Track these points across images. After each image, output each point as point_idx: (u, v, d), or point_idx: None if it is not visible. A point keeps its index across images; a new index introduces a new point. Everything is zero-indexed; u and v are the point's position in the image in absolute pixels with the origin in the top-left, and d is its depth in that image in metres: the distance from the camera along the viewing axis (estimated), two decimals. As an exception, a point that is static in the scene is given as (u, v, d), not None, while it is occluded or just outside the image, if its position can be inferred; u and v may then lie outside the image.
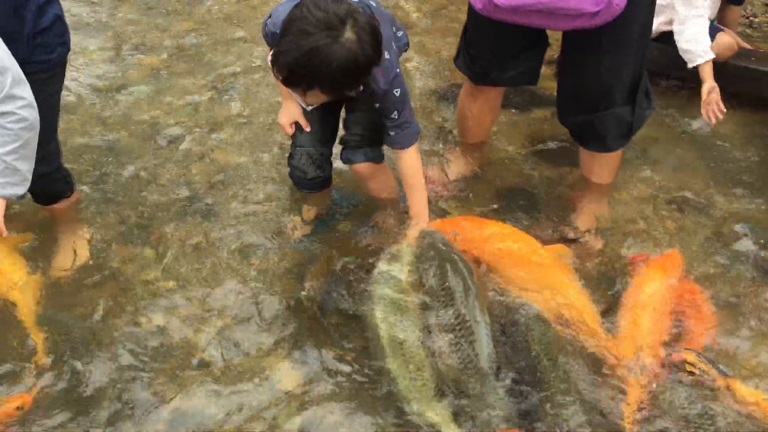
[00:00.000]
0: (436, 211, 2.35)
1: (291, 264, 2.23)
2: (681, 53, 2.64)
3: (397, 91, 1.98)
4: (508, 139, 2.73)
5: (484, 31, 2.16)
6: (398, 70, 1.97)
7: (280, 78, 1.79)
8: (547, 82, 2.68)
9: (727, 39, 2.77)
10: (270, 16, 1.96)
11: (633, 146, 2.64)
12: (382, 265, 2.04)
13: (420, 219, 2.16)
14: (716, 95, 2.51)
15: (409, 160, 2.11)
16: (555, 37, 2.22)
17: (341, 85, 1.77)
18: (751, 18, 3.31)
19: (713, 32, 2.78)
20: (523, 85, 2.37)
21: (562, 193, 2.50)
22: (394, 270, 2.01)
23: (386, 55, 1.89)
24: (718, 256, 2.26)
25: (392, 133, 2.06)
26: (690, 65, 2.62)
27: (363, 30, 1.71)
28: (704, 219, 2.40)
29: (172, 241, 2.31)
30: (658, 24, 2.78)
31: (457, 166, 2.56)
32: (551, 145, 2.70)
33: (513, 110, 2.87)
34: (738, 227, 2.35)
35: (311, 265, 2.22)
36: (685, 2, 2.62)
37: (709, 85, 2.53)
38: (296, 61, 1.70)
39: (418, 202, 2.16)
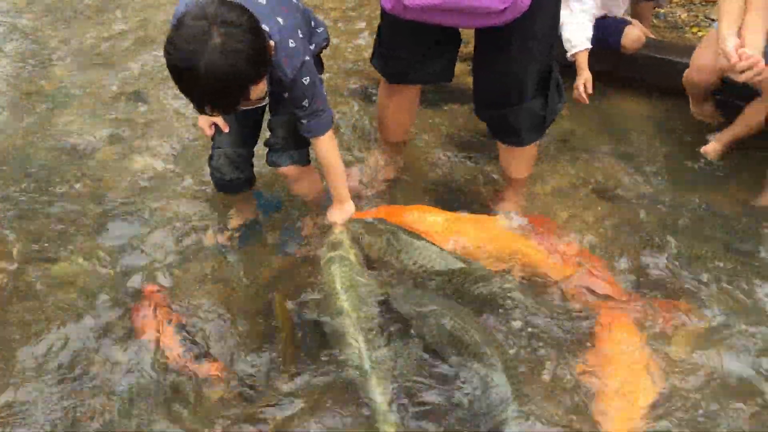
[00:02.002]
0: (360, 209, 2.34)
1: (215, 272, 2.20)
2: (563, 42, 2.73)
3: (306, 79, 1.96)
4: (428, 136, 2.76)
5: (397, 31, 2.18)
6: (307, 58, 1.95)
7: None
8: (466, 77, 2.72)
9: (635, 32, 2.86)
10: None
11: (553, 138, 2.73)
12: (327, 253, 2.06)
13: (341, 200, 2.19)
14: (588, 79, 2.65)
15: (325, 147, 2.11)
16: (470, 33, 2.25)
17: (218, 101, 1.76)
18: (657, 9, 3.42)
19: (622, 25, 2.87)
20: (438, 82, 2.39)
21: (483, 187, 2.54)
22: (341, 252, 2.04)
23: (291, 43, 1.89)
24: (637, 240, 2.33)
25: (305, 122, 2.06)
26: (569, 54, 2.71)
27: (232, 37, 1.67)
28: (620, 205, 2.47)
29: (91, 253, 2.25)
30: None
31: (379, 166, 2.57)
32: (471, 140, 2.74)
33: (432, 107, 2.91)
34: (651, 213, 2.43)
35: (241, 272, 2.20)
36: None
37: (584, 76, 2.65)
38: (172, 74, 1.70)
39: (338, 184, 2.18)
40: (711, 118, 2.77)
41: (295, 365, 1.91)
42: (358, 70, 3.13)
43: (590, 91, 2.64)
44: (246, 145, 2.23)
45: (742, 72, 2.17)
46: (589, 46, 2.70)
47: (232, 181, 2.24)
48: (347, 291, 1.96)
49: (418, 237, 2.12)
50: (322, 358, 1.90)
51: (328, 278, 2.00)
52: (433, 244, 2.10)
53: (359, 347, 1.85)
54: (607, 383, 1.83)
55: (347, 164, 2.59)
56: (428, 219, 2.22)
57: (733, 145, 2.62)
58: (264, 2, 1.89)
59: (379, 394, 1.78)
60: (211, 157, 2.23)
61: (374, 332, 1.89)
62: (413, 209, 2.26)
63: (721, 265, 2.19)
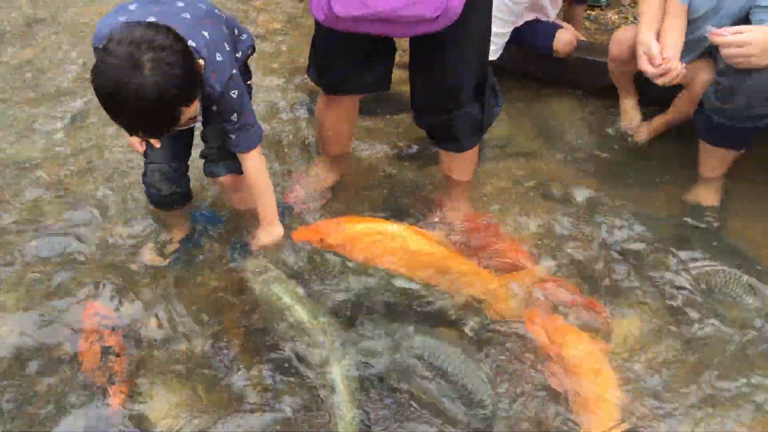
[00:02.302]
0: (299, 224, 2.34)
1: (156, 291, 2.15)
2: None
3: (234, 93, 1.94)
4: (370, 145, 2.76)
5: (331, 42, 2.17)
6: (234, 71, 1.94)
7: None
8: (404, 85, 2.73)
9: (566, 36, 2.92)
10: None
11: (493, 141, 2.76)
12: (257, 278, 2.04)
13: (269, 223, 2.16)
14: None
15: (253, 163, 2.09)
16: (406, 41, 2.26)
17: (151, 126, 1.74)
18: (587, 12, 3.50)
19: (553, 30, 2.93)
20: (376, 91, 2.39)
21: (427, 193, 2.55)
22: (273, 274, 2.05)
23: (218, 57, 1.87)
24: (578, 238, 2.37)
25: (233, 137, 2.03)
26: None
27: (162, 62, 1.65)
28: (560, 205, 2.51)
29: (29, 281, 2.18)
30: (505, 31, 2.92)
31: (321, 178, 2.56)
32: (413, 147, 2.75)
33: (373, 116, 2.91)
34: (590, 211, 2.48)
35: (182, 289, 2.16)
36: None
37: None
38: (101, 101, 1.68)
39: (267, 205, 2.15)
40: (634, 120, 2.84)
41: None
42: (297, 83, 3.11)
43: None
44: (180, 158, 2.19)
45: (661, 76, 2.26)
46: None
47: (169, 196, 2.20)
48: (300, 302, 1.95)
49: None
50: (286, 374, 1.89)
51: (272, 298, 1.98)
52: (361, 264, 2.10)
53: (328, 350, 1.86)
54: (577, 387, 1.85)
55: (291, 175, 2.58)
56: (364, 232, 2.20)
57: (663, 130, 2.71)
58: (188, 16, 1.87)
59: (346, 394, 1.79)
60: (144, 174, 2.19)
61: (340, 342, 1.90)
62: (348, 222, 2.23)
63: (658, 260, 2.24)
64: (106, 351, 1.96)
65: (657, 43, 2.32)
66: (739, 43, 2.08)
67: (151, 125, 1.74)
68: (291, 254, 2.15)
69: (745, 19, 2.27)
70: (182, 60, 1.69)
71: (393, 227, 2.21)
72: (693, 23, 2.40)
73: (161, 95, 1.65)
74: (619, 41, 2.65)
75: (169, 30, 1.71)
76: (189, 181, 2.25)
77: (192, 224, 2.35)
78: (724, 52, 2.13)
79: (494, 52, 2.71)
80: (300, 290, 2.01)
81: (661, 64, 2.25)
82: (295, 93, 3.05)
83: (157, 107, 1.67)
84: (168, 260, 2.24)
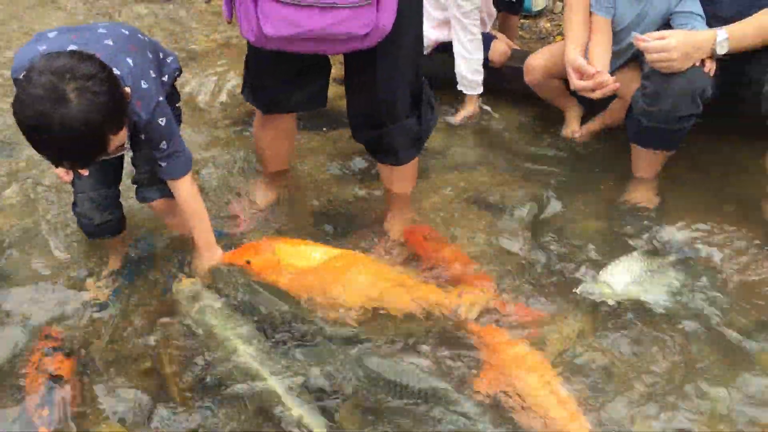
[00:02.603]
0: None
1: (95, 322, 2.09)
2: (459, 78, 2.94)
3: (162, 120, 1.92)
4: (310, 162, 2.75)
5: (264, 61, 2.16)
6: (161, 98, 1.92)
7: None
8: (343, 100, 2.72)
9: (501, 46, 2.98)
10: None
11: (431, 153, 2.78)
12: (189, 306, 2.00)
13: (206, 248, 2.14)
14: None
15: (185, 190, 2.06)
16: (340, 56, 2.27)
17: (77, 157, 1.71)
18: (521, 21, 3.57)
19: (488, 41, 2.98)
20: (312, 108, 2.40)
21: (369, 207, 2.55)
22: (205, 302, 2.00)
23: (143, 84, 1.84)
24: (517, 247, 2.39)
25: (163, 164, 2.01)
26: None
27: (87, 91, 1.62)
28: (500, 214, 2.52)
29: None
30: (437, 36, 2.95)
31: (262, 198, 2.54)
32: (352, 162, 2.75)
33: (312, 131, 2.91)
34: (531, 219, 2.51)
35: (123, 318, 2.11)
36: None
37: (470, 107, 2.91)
38: (25, 134, 1.64)
39: (202, 231, 2.13)
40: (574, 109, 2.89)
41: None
42: (234, 102, 3.08)
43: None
44: (110, 184, 2.15)
45: (593, 90, 2.34)
46: (479, 90, 2.95)
47: (103, 225, 2.16)
48: (233, 329, 1.92)
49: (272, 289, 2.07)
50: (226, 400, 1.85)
51: (205, 329, 1.96)
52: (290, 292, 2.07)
53: (268, 377, 1.83)
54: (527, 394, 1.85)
55: (230, 195, 2.55)
56: (297, 255, 2.18)
57: (599, 132, 2.78)
58: (111, 43, 1.84)
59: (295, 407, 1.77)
60: (74, 203, 2.14)
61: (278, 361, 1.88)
62: (281, 244, 2.21)
63: (597, 263, 2.28)
64: (54, 378, 1.91)
65: (584, 60, 2.39)
66: (662, 48, 2.15)
67: (78, 156, 1.70)
68: (226, 279, 2.11)
69: (667, 25, 2.35)
70: (108, 88, 1.66)
71: (324, 250, 2.19)
72: (619, 34, 2.48)
73: (88, 125, 1.62)
74: (531, 69, 2.73)
75: (92, 58, 1.68)
76: (122, 207, 2.21)
77: (129, 249, 2.31)
78: (647, 57, 2.19)
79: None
80: (234, 318, 1.99)
81: (594, 78, 2.32)
82: (232, 112, 3.03)
83: (83, 137, 1.64)
84: (109, 292, 2.18)
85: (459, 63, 2.90)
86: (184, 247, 2.27)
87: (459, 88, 2.94)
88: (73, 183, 2.11)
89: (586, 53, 2.45)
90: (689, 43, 2.14)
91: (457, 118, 2.99)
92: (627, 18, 2.43)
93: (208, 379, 1.88)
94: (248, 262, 2.13)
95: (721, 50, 2.17)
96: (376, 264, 2.18)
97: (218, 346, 1.93)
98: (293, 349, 1.95)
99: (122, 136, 1.77)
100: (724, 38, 2.16)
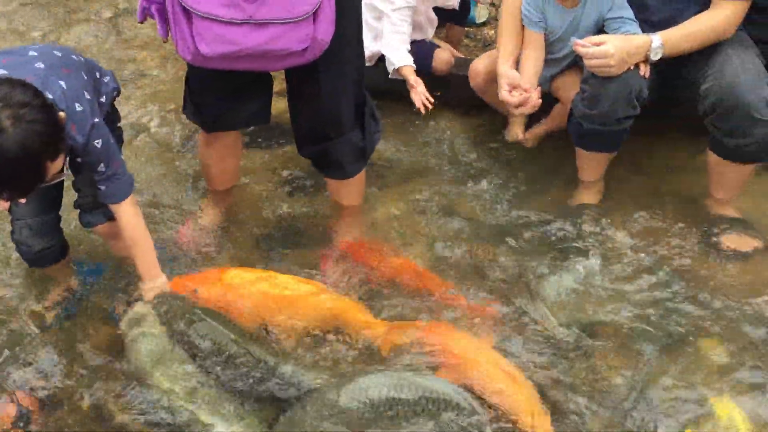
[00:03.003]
0: (189, 268, 2.29)
1: (42, 353, 2.05)
2: (387, 64, 2.85)
3: (98, 143, 1.87)
4: (256, 178, 2.73)
5: (204, 79, 2.14)
6: (96, 120, 1.87)
7: None
8: (287, 114, 2.72)
9: (444, 54, 2.99)
10: None
11: (380, 164, 2.78)
12: (129, 331, 1.96)
13: (150, 276, 2.08)
14: (422, 87, 2.74)
15: (127, 214, 2.01)
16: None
17: (15, 187, 1.67)
18: (466, 29, 3.60)
19: (431, 49, 3.00)
20: (256, 124, 2.39)
21: (318, 222, 2.54)
22: (144, 329, 1.95)
23: (77, 107, 1.80)
24: (475, 250, 2.42)
25: (103, 188, 1.96)
26: (391, 73, 2.84)
27: (22, 120, 1.59)
28: (452, 222, 2.55)
29: None
30: (378, 47, 2.96)
31: (210, 216, 2.51)
32: (300, 177, 2.74)
33: (258, 147, 2.89)
34: (482, 225, 2.54)
35: (69, 348, 2.06)
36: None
37: (419, 89, 2.74)
38: None
39: (146, 257, 2.07)
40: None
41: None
42: (178, 120, 3.04)
43: (430, 99, 2.71)
44: (49, 210, 2.10)
45: (517, 107, 2.41)
46: (409, 62, 2.80)
47: (42, 252, 2.11)
48: (159, 366, 1.88)
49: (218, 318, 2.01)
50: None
51: (136, 358, 1.92)
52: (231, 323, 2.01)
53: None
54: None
55: (176, 214, 2.52)
56: (246, 284, 2.13)
57: (543, 136, 2.83)
58: (42, 66, 1.80)
59: None
60: (12, 231, 2.09)
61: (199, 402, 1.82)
62: (231, 273, 2.17)
63: (546, 262, 2.33)
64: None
65: (516, 74, 2.45)
66: (600, 54, 2.19)
67: (15, 186, 1.67)
68: (169, 307, 2.06)
69: (601, 31, 2.40)
70: (43, 115, 1.63)
71: (271, 277, 2.15)
72: (555, 44, 2.52)
73: (25, 154, 1.59)
74: (475, 73, 2.76)
75: (26, 85, 1.65)
76: (61, 232, 2.16)
77: (74, 277, 2.26)
78: (586, 62, 2.24)
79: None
80: (168, 350, 1.93)
81: (521, 93, 2.39)
82: (177, 130, 2.99)
83: (21, 167, 1.61)
84: (51, 321, 2.13)
85: (386, 53, 2.86)
86: (131, 272, 2.22)
87: (390, 72, 2.86)
88: (10, 210, 2.06)
89: (518, 66, 2.49)
90: (626, 49, 2.19)
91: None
92: (560, 29, 2.48)
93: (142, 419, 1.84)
94: (195, 291, 2.08)
95: (655, 56, 2.22)
96: (322, 291, 2.15)
97: (150, 387, 1.87)
98: (236, 389, 1.88)
99: (60, 163, 1.74)
100: (659, 44, 2.21)
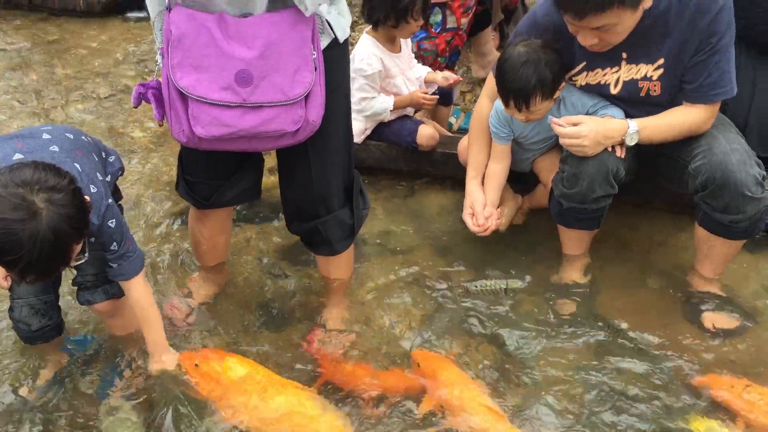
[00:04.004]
0: (180, 343, 2.29)
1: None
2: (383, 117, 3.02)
3: (112, 222, 1.92)
4: (246, 253, 2.76)
5: (198, 158, 2.19)
6: (110, 201, 1.92)
7: None
8: (278, 189, 2.77)
9: (428, 130, 3.07)
10: None
11: (371, 239, 2.82)
12: (105, 417, 1.96)
13: (160, 351, 2.10)
14: (415, 94, 3.03)
15: (138, 290, 2.05)
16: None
17: (44, 270, 1.68)
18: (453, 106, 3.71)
19: (416, 125, 3.08)
20: (246, 202, 2.43)
21: (308, 298, 2.56)
22: (122, 415, 1.94)
23: (92, 189, 1.84)
24: (461, 328, 2.44)
25: (115, 266, 1.99)
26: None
27: (56, 203, 1.62)
28: (440, 298, 2.56)
29: None
30: (366, 124, 3.05)
31: (200, 292, 2.53)
32: (289, 252, 2.77)
33: (249, 223, 2.92)
34: (466, 296, 2.56)
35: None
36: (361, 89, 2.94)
37: (407, 99, 3.01)
38: None
39: (155, 334, 2.10)
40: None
41: None
42: (170, 196, 3.09)
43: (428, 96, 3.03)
44: (50, 289, 2.12)
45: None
46: (391, 98, 2.99)
47: (40, 331, 2.11)
48: None
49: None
50: None
51: None
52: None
53: None
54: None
55: (167, 290, 2.53)
56: (243, 377, 2.09)
57: (526, 212, 2.90)
58: (57, 149, 1.84)
59: None
60: (11, 309, 2.09)
61: None
62: (232, 360, 2.13)
63: (529, 342, 2.35)
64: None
65: (482, 197, 2.59)
66: (575, 134, 2.27)
67: (43, 269, 1.67)
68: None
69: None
70: (75, 200, 1.67)
71: (269, 378, 2.11)
72: (529, 137, 2.60)
73: (56, 238, 1.61)
74: (463, 148, 2.84)
75: (58, 170, 1.68)
76: (60, 311, 2.17)
77: (65, 353, 2.25)
78: (561, 141, 2.32)
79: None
80: None
81: (481, 223, 2.56)
82: (169, 206, 3.03)
83: (53, 251, 1.62)
84: (43, 398, 2.11)
85: (375, 112, 2.99)
86: (125, 349, 2.24)
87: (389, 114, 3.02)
88: (10, 288, 2.06)
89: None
90: (601, 131, 2.26)
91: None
92: (531, 131, 2.56)
93: None
94: (196, 365, 2.08)
95: (631, 141, 2.28)
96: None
97: None
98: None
99: (80, 245, 1.76)
100: (635, 130, 2.26)
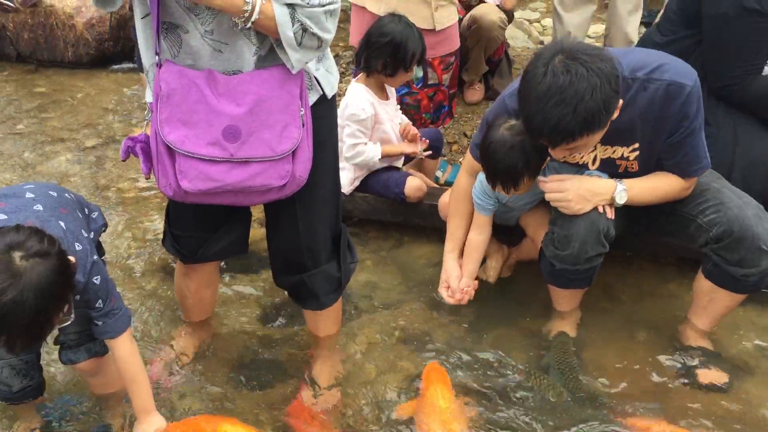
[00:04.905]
0: (166, 403, 2.24)
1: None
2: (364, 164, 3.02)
3: (97, 279, 1.88)
4: (233, 308, 2.72)
5: (184, 212, 2.18)
6: (95, 258, 1.89)
7: None
8: (264, 242, 2.75)
9: (415, 181, 3.06)
10: None
11: (359, 292, 2.80)
12: None
13: (147, 414, 2.04)
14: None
15: (124, 349, 1.99)
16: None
17: (29, 338, 1.65)
18: (442, 158, 3.73)
19: (404, 177, 3.09)
20: (233, 255, 2.40)
21: (295, 354, 2.51)
22: None
23: (77, 246, 1.81)
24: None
25: (100, 323, 1.95)
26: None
27: (39, 266, 1.59)
28: (427, 353, 2.54)
29: None
30: (354, 175, 3.06)
31: (185, 347, 2.48)
32: (277, 306, 2.73)
33: (236, 277, 2.89)
34: (454, 351, 2.53)
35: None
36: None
37: (398, 147, 3.04)
38: None
39: (142, 395, 2.04)
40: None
41: None
42: (155, 252, 3.06)
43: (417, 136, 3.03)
44: (31, 350, 2.06)
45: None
46: (379, 147, 3.00)
47: (22, 391, 2.05)
48: None
49: None
50: None
51: None
52: None
53: None
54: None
55: (153, 347, 2.48)
56: None
57: (514, 265, 2.88)
58: (41, 208, 1.81)
59: None
60: None
61: None
62: (226, 426, 2.09)
63: (519, 400, 2.32)
64: None
65: (457, 271, 2.59)
66: (557, 189, 2.28)
67: (30, 337, 1.63)
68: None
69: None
70: (60, 264, 1.64)
71: None
72: (521, 207, 2.61)
73: (43, 304, 1.58)
74: (443, 205, 2.84)
75: (41, 233, 1.65)
76: (41, 370, 2.12)
77: (39, 417, 2.18)
78: (546, 196, 2.32)
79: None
80: None
81: (457, 297, 2.56)
82: (154, 261, 3.00)
83: (38, 317, 1.59)
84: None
85: (365, 159, 2.98)
86: (107, 409, 2.19)
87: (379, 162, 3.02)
88: None
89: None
90: (584, 188, 2.27)
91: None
92: (518, 198, 2.54)
93: None
94: None
95: (620, 200, 2.28)
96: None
97: None
98: None
99: (68, 307, 1.73)
100: (623, 189, 2.27)
